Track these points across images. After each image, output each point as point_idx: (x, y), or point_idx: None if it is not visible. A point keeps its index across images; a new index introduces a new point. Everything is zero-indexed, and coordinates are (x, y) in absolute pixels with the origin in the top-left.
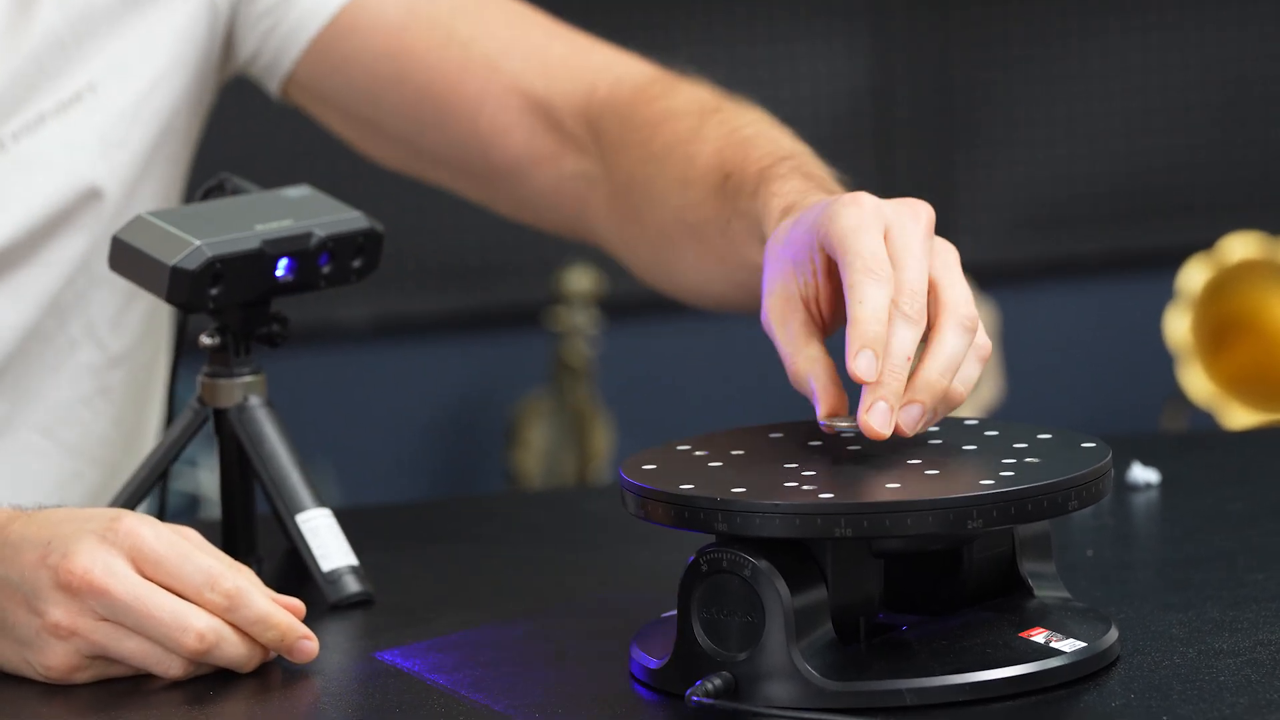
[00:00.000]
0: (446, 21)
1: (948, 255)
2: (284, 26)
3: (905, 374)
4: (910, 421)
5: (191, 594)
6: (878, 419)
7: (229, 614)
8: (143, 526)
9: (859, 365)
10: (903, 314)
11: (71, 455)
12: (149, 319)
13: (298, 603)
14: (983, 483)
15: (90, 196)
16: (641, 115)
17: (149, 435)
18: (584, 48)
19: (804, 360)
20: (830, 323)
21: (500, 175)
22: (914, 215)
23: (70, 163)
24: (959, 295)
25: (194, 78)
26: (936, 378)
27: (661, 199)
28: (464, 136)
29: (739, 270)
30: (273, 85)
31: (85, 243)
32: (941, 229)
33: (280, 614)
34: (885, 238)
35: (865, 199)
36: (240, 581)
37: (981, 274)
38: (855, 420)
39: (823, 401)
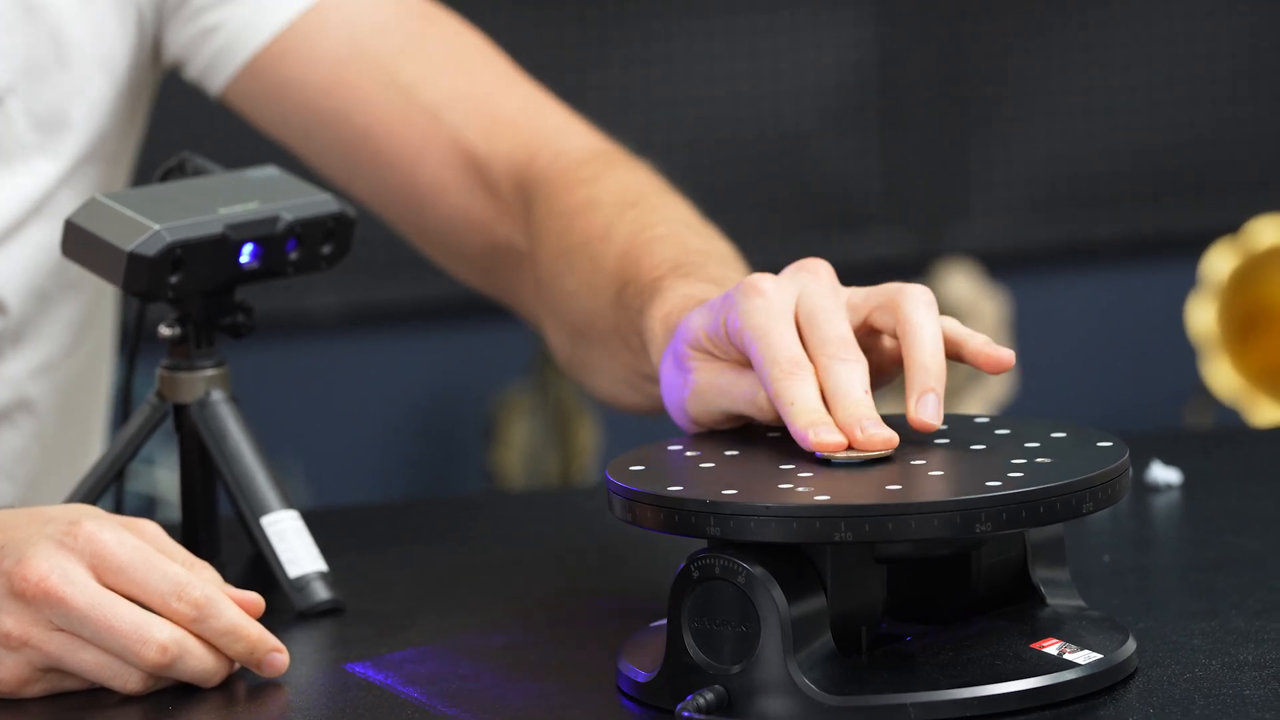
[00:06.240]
0: (390, 62)
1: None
2: (217, 41)
3: (943, 366)
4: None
5: (156, 603)
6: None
7: (196, 625)
8: (104, 531)
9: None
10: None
11: None
12: (80, 330)
13: (256, 597)
14: (991, 484)
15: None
16: (564, 203)
17: (84, 451)
18: (534, 109)
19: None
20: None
21: (434, 231)
22: (814, 273)
23: None
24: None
25: (121, 77)
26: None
27: (573, 300)
28: (400, 187)
29: (646, 381)
30: (210, 92)
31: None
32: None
33: (251, 626)
34: (799, 308)
35: (765, 284)
36: (209, 590)
37: (994, 260)
38: (854, 451)
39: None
